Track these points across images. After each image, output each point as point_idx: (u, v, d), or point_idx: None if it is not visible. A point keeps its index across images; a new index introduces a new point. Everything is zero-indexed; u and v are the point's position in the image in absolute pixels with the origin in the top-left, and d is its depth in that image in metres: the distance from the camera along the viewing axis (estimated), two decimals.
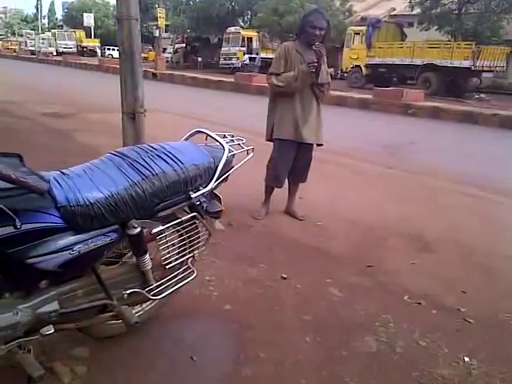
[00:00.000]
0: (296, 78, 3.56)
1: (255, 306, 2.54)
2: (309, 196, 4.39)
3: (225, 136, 2.20)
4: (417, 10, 22.98)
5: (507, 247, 3.65)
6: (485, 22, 21.00)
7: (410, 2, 23.00)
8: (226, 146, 2.06)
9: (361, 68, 21.94)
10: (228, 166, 2.07)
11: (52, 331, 1.61)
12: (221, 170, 1.98)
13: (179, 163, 1.82)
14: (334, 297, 2.70)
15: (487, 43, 19.76)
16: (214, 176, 1.96)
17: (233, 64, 26.91)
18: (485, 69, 18.88)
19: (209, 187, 1.95)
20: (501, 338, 2.42)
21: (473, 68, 18.32)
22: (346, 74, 23.31)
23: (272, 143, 3.88)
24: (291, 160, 3.84)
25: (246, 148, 2.22)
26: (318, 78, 3.60)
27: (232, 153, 2.08)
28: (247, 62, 26.65)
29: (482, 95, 18.42)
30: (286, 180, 3.98)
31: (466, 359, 2.19)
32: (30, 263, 1.45)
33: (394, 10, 24.89)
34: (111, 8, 50.95)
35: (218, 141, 2.10)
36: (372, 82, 20.66)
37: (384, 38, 22.01)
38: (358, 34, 22.34)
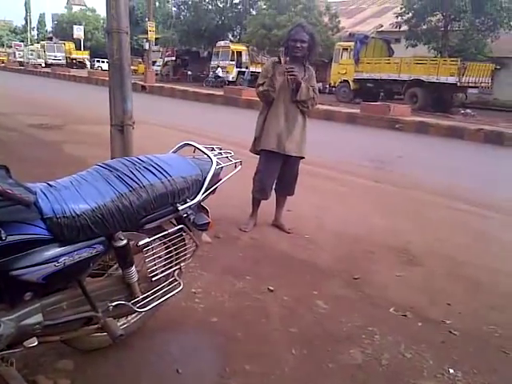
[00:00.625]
0: (274, 79, 3.65)
1: (242, 318, 2.54)
2: (296, 208, 4.42)
3: (213, 149, 2.21)
4: (404, 27, 23.37)
5: (492, 260, 3.70)
6: (470, 39, 21.42)
7: (397, 19, 23.39)
8: (214, 159, 2.07)
9: (349, 83, 22.20)
10: (216, 178, 2.08)
11: (36, 344, 1.59)
12: (208, 183, 1.99)
13: (167, 175, 1.83)
14: (320, 309, 2.70)
15: (472, 60, 20.14)
16: (201, 188, 1.97)
17: (222, 78, 27.07)
18: (470, 85, 19.24)
19: (196, 199, 1.96)
20: (485, 349, 2.44)
21: (458, 84, 18.64)
22: (334, 89, 23.57)
23: (258, 155, 3.91)
24: (276, 172, 3.87)
25: (234, 161, 2.24)
26: (297, 94, 3.67)
27: (220, 165, 2.10)
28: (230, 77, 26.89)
29: (468, 110, 18.74)
30: (274, 192, 4.01)
31: (451, 371, 2.21)
32: (14, 275, 1.44)
33: (382, 26, 25.39)
34: (101, 21, 51.13)
35: (205, 153, 2.12)
36: (360, 96, 20.93)
37: (372, 53, 22.34)
38: (346, 49, 22.66)
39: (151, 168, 1.83)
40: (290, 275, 3.14)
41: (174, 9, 35.42)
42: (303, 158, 3.93)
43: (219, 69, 27.65)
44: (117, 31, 3.38)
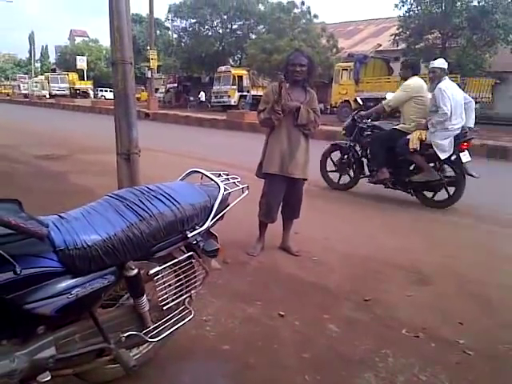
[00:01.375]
0: (273, 105, 3.69)
1: (253, 344, 2.52)
2: (304, 230, 4.41)
3: (220, 175, 2.24)
4: (402, 46, 23.63)
5: (502, 277, 3.66)
6: (468, 55, 21.61)
7: (395, 38, 23.67)
8: (222, 185, 2.09)
9: (350, 102, 22.35)
10: (224, 204, 2.10)
11: (49, 378, 1.59)
12: (217, 209, 2.01)
13: (176, 203, 1.84)
14: (332, 333, 2.68)
15: (471, 75, 20.29)
16: (210, 215, 1.99)
17: (224, 102, 27.37)
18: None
19: (205, 226, 1.97)
20: (502, 369, 2.41)
21: None
22: (335, 109, 23.72)
23: (263, 179, 3.94)
24: (281, 194, 3.89)
25: (241, 186, 2.26)
26: (298, 119, 3.73)
27: (227, 191, 2.12)
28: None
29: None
30: (281, 215, 4.02)
31: None
32: (27, 308, 1.44)
33: (380, 45, 25.68)
34: (104, 51, 52.01)
35: (213, 180, 2.14)
36: None
37: (371, 72, 22.56)
38: (346, 69, 22.89)
39: (160, 196, 1.86)
40: (300, 299, 3.12)
41: (174, 36, 36.06)
42: (306, 179, 3.95)
43: (202, 93, 29.80)
44: (121, 62, 3.46)
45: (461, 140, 5.68)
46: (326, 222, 5.00)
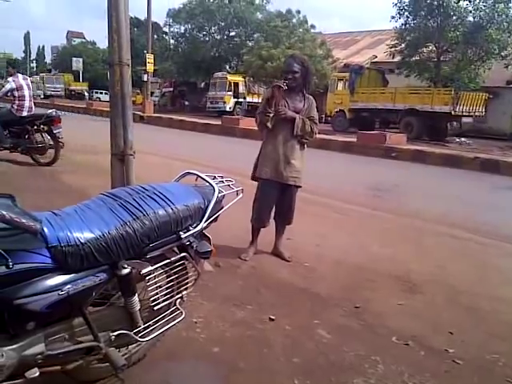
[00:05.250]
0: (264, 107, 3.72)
1: (243, 348, 2.51)
2: (296, 237, 4.42)
3: (215, 177, 2.24)
4: (397, 58, 23.84)
5: (492, 288, 3.69)
6: (462, 69, 21.85)
7: (391, 50, 23.88)
8: (216, 187, 2.10)
9: (344, 112, 22.48)
10: (218, 206, 2.10)
11: (37, 374, 1.57)
12: (211, 211, 2.01)
13: (170, 204, 1.84)
14: (322, 338, 2.68)
15: (465, 89, 20.51)
16: (204, 216, 1.99)
17: (219, 108, 27.42)
18: (464, 114, 19.51)
19: (199, 227, 1.97)
20: (490, 379, 2.42)
21: (453, 113, 18.92)
22: (330, 118, 23.85)
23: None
24: (273, 200, 3.90)
25: (236, 189, 2.27)
26: (294, 130, 3.75)
27: (222, 193, 2.12)
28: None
29: (463, 139, 18.96)
30: (274, 221, 4.02)
31: None
32: (18, 304, 1.43)
33: (376, 57, 25.90)
34: (100, 54, 51.93)
35: (208, 182, 2.14)
36: (355, 125, 21.14)
37: (366, 83, 22.70)
38: (342, 79, 23.05)
39: (154, 196, 1.85)
40: (291, 304, 3.12)
41: (171, 41, 36.10)
42: (300, 187, 3.96)
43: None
44: (118, 64, 3.46)
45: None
46: (317, 228, 5.01)
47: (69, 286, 1.54)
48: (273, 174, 3.81)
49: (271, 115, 3.71)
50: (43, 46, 77.72)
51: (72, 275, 1.56)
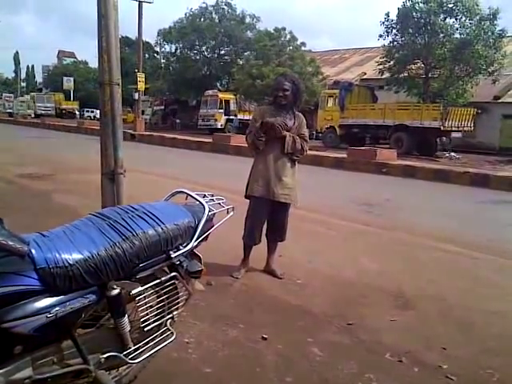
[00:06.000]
0: (258, 129, 3.74)
1: (236, 368, 2.49)
2: (288, 253, 4.41)
3: (205, 195, 2.24)
4: (386, 75, 24.16)
5: (484, 302, 3.69)
6: (450, 85, 22.18)
7: (379, 67, 24.21)
8: (206, 205, 2.09)
9: (335, 128, 22.66)
10: (208, 224, 2.09)
11: None
12: (201, 229, 2.00)
13: (160, 223, 1.83)
14: (315, 356, 2.66)
15: (454, 105, 20.80)
16: (194, 235, 1.98)
17: (211, 125, 27.53)
18: (453, 129, 19.76)
19: (189, 246, 1.95)
20: None
21: (442, 128, 19.15)
22: (320, 135, 24.02)
23: None
24: (264, 217, 3.91)
25: (227, 207, 2.26)
26: (284, 147, 3.77)
27: (212, 212, 2.11)
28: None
29: (453, 154, 19.16)
30: (265, 238, 4.02)
31: None
32: (5, 327, 1.41)
33: (365, 74, 26.24)
34: (91, 73, 52.15)
35: (198, 200, 2.14)
36: (346, 141, 21.34)
37: (356, 100, 22.98)
38: (332, 96, 23.29)
39: (144, 216, 1.84)
40: (284, 322, 3.10)
41: (162, 60, 36.34)
42: (291, 203, 3.95)
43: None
44: (109, 83, 3.48)
45: None
46: (309, 244, 5.01)
47: (57, 309, 1.52)
48: (264, 192, 3.81)
49: (263, 139, 3.74)
50: (33, 66, 78.10)
51: (60, 297, 1.54)
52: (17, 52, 68.30)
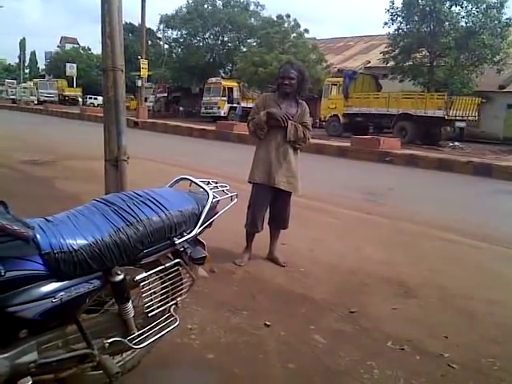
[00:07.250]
0: (262, 118, 3.73)
1: (238, 354, 2.50)
2: (291, 242, 4.41)
3: (209, 182, 2.23)
4: (391, 63, 23.97)
5: (486, 291, 3.69)
6: (455, 74, 22.00)
7: (384, 56, 24.01)
8: (210, 192, 2.08)
9: (338, 117, 22.56)
10: (212, 211, 2.09)
11: (30, 383, 1.55)
12: (205, 216, 1.99)
13: (164, 209, 1.83)
14: (318, 344, 2.67)
15: (458, 94, 20.64)
16: (198, 222, 1.98)
17: (214, 113, 27.44)
18: (458, 118, 19.64)
19: (193, 233, 1.95)
20: (485, 382, 2.42)
21: (446, 117, 19.04)
22: (324, 123, 23.91)
23: None
24: (266, 205, 3.91)
25: (230, 194, 2.26)
26: (286, 136, 3.76)
27: (216, 199, 2.11)
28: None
29: (456, 143, 19.06)
30: (268, 226, 4.02)
31: None
32: (10, 312, 1.42)
33: (369, 62, 25.99)
34: (94, 59, 51.91)
35: (202, 187, 2.13)
36: (349, 130, 21.22)
37: (360, 88, 22.83)
38: (336, 84, 23.15)
39: (148, 202, 1.84)
40: (286, 309, 3.11)
41: (165, 46, 36.13)
42: (294, 192, 3.95)
43: None
44: (112, 69, 3.45)
45: None
46: (312, 233, 5.01)
47: (62, 293, 1.53)
48: (265, 179, 3.81)
49: (265, 130, 3.73)
50: (35, 52, 77.62)
51: (65, 282, 1.55)
52: (23, 38, 67.68)
